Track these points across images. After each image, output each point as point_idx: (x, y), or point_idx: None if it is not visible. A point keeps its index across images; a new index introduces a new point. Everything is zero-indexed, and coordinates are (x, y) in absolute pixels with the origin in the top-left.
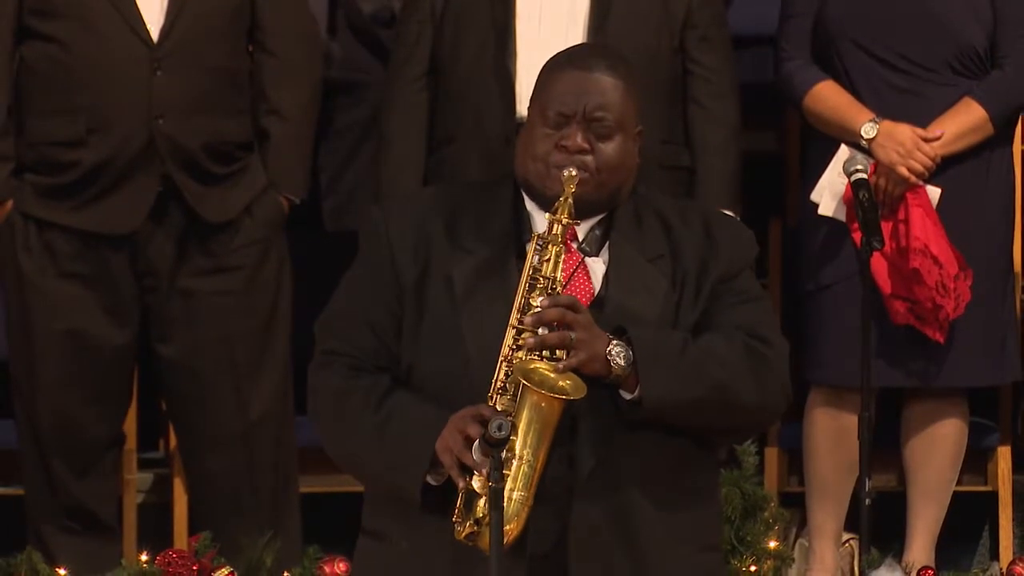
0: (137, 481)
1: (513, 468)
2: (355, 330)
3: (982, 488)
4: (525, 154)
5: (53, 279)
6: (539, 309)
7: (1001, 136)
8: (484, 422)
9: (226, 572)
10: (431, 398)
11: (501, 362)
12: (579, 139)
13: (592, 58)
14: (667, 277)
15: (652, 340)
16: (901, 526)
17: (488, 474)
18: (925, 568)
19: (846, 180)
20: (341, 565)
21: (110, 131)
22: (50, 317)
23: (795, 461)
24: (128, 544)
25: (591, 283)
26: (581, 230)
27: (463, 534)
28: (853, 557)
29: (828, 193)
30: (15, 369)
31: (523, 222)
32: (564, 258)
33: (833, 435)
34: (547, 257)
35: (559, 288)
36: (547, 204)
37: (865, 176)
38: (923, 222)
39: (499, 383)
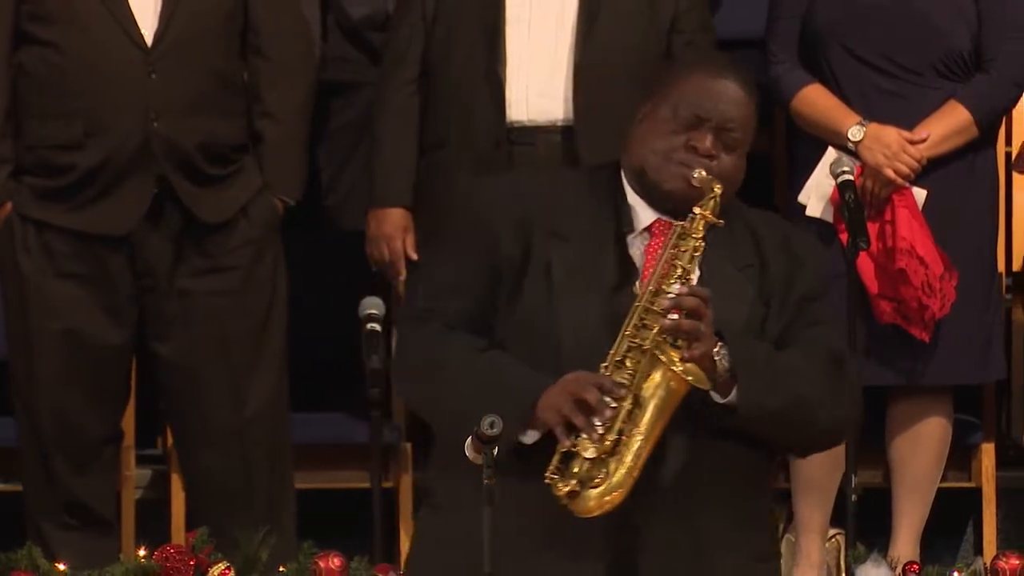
0: (135, 478)
1: (632, 441)
2: (454, 295)
3: (966, 484)
4: (644, 145)
5: (51, 279)
6: (674, 295)
7: (985, 138)
8: (602, 389)
9: (223, 567)
10: None
11: (623, 337)
12: (709, 143)
13: (730, 70)
14: (755, 287)
15: (748, 347)
16: (886, 522)
17: (484, 469)
18: (910, 563)
19: (833, 182)
20: (336, 560)
21: (106, 133)
22: (49, 317)
23: (783, 458)
24: (126, 539)
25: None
26: None
27: (564, 491)
28: (839, 552)
29: (816, 195)
30: (14, 368)
31: (625, 214)
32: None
33: None
34: (684, 249)
35: (692, 280)
36: (656, 197)
37: (851, 178)
38: (909, 223)
39: (617, 357)
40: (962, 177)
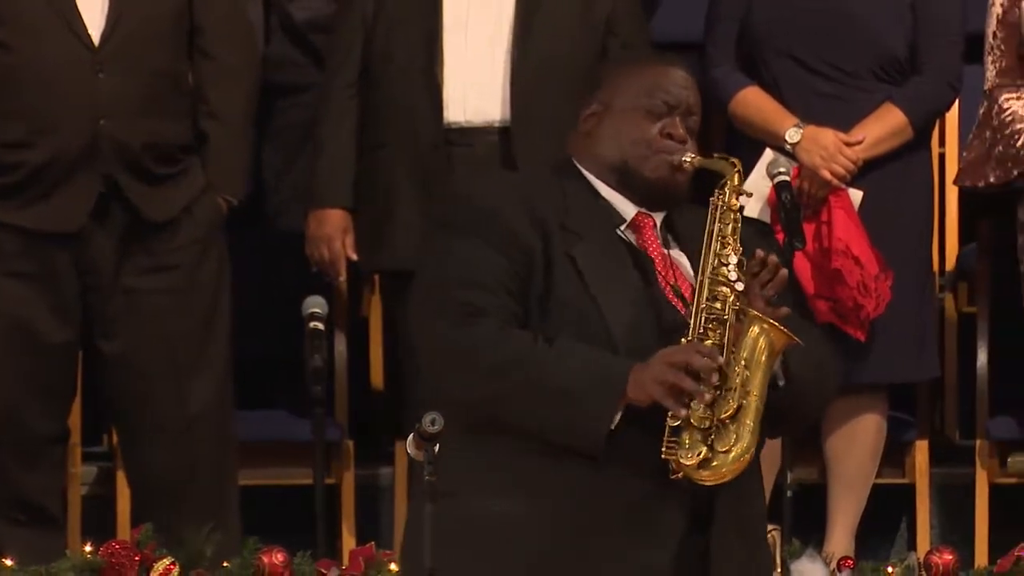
0: (81, 474)
1: (751, 402)
2: (493, 292)
3: (900, 481)
4: (616, 141)
5: None
6: (745, 266)
7: (919, 140)
8: (704, 353)
9: (167, 563)
10: None
11: (698, 312)
12: (683, 129)
13: (675, 60)
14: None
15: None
16: (822, 517)
17: (425, 467)
18: (845, 558)
19: (770, 183)
20: (279, 556)
21: (54, 132)
22: None
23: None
24: (73, 535)
25: (684, 274)
26: (658, 220)
27: (694, 461)
28: (775, 547)
29: (753, 195)
30: None
31: (608, 209)
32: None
33: None
34: (727, 222)
35: (740, 249)
36: (637, 189)
37: (787, 179)
38: (845, 224)
39: (698, 331)
40: (897, 178)
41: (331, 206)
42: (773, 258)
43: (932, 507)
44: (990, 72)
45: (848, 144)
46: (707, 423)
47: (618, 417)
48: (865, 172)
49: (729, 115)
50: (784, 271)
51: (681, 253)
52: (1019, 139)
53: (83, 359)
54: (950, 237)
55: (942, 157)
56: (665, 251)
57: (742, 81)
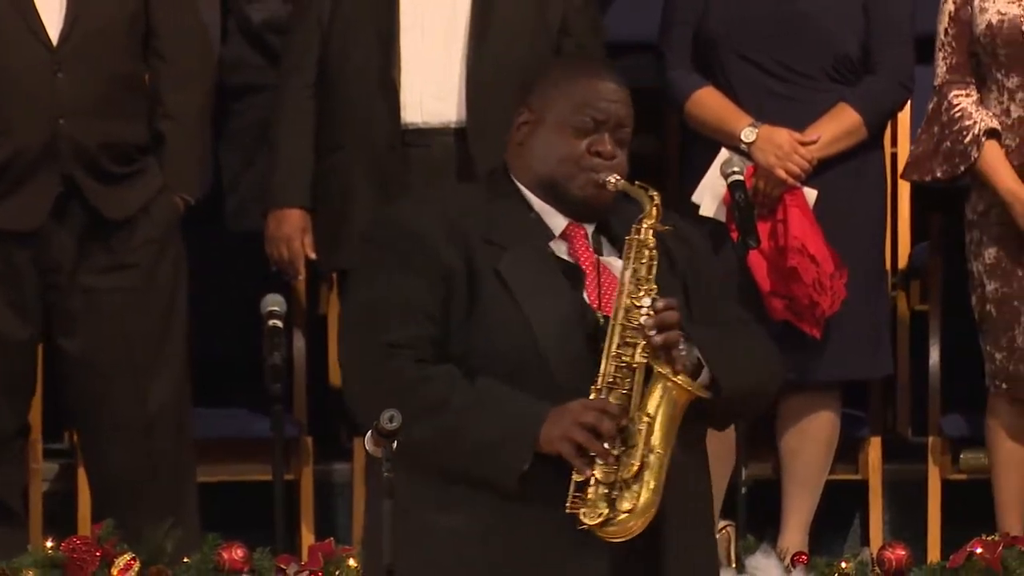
0: (42, 470)
1: (652, 461)
2: (412, 320)
3: (854, 477)
4: (545, 156)
5: None
6: (650, 312)
7: (873, 140)
8: (610, 416)
9: (128, 558)
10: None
11: (608, 358)
12: (610, 146)
13: (605, 70)
14: (673, 275)
15: (703, 335)
16: (776, 513)
17: (383, 463)
18: (799, 553)
19: (725, 182)
20: (239, 551)
21: (13, 131)
22: None
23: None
24: (34, 531)
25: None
26: (589, 231)
27: (597, 521)
28: (730, 543)
29: (709, 195)
30: None
31: (538, 221)
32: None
33: None
34: (643, 260)
35: (655, 289)
36: (566, 204)
37: (741, 178)
38: (800, 222)
39: (608, 379)
40: (851, 177)
41: (289, 206)
42: (671, 314)
43: (885, 503)
44: (941, 68)
45: (803, 143)
46: (611, 478)
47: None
48: (819, 171)
49: (684, 116)
50: (669, 314)
51: (617, 258)
52: (967, 136)
53: (43, 356)
54: (902, 236)
55: (895, 157)
56: (597, 258)
57: (697, 82)
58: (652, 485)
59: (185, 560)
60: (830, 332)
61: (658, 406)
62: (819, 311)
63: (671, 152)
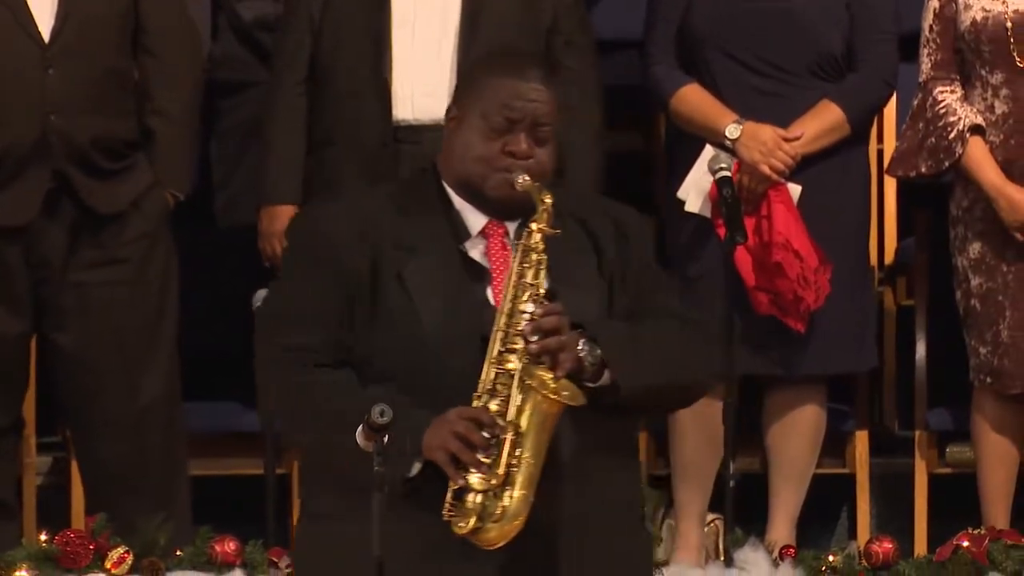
0: (36, 464)
1: (521, 469)
2: (311, 327)
3: (841, 470)
4: (463, 155)
5: None
6: (533, 317)
7: (858, 136)
8: (482, 425)
9: (121, 551)
10: (398, 386)
11: (489, 365)
12: (525, 146)
13: (528, 66)
14: (595, 269)
15: (610, 332)
16: (764, 507)
17: (374, 457)
18: (786, 547)
19: (711, 178)
20: (231, 544)
21: (4, 127)
22: None
23: (663, 444)
24: (28, 525)
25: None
26: (511, 228)
27: (466, 530)
28: (718, 536)
29: (694, 191)
30: None
31: (457, 220)
32: (543, 264)
33: (699, 420)
34: (529, 265)
35: (542, 294)
36: (483, 203)
37: (728, 174)
38: (785, 218)
39: (488, 385)
40: (835, 173)
41: (282, 202)
42: (548, 320)
43: (872, 497)
44: (925, 65)
45: (787, 140)
46: (485, 488)
47: (417, 465)
48: (803, 168)
49: (669, 112)
50: (549, 319)
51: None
52: (951, 132)
53: (36, 350)
54: (888, 231)
55: (880, 153)
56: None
57: (682, 79)
58: (521, 492)
59: (178, 553)
60: (815, 327)
61: (529, 414)
62: (803, 306)
63: (658, 150)
